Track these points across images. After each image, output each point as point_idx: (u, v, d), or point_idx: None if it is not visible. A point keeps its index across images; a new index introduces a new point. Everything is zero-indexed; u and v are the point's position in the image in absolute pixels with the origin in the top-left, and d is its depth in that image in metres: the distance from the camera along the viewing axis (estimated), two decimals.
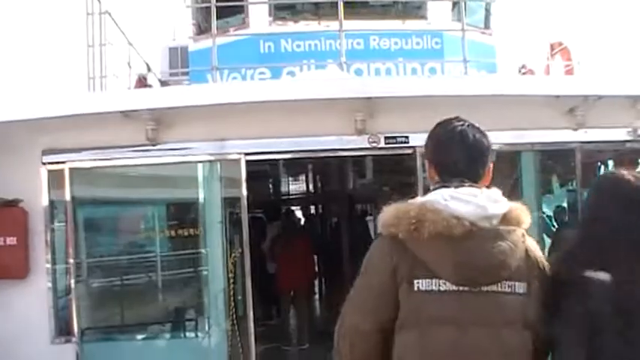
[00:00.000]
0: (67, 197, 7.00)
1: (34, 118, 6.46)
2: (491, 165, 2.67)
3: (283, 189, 16.41)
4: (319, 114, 6.85)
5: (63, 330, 7.06)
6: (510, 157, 7.64)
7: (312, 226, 14.52)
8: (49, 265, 7.03)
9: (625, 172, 2.64)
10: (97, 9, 7.98)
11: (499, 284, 2.41)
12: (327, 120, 6.93)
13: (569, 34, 9.80)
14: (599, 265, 2.44)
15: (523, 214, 2.54)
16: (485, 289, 2.40)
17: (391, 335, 2.45)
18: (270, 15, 9.56)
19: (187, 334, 7.52)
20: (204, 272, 7.30)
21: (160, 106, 6.60)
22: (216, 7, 8.17)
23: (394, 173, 9.75)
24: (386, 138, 7.00)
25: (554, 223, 9.39)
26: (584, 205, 2.94)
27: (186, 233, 7.40)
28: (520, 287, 2.44)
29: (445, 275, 2.39)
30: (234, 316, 7.06)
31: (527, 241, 2.52)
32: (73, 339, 6.97)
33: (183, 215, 7.79)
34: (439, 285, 2.39)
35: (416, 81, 7.67)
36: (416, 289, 2.41)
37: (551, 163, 7.96)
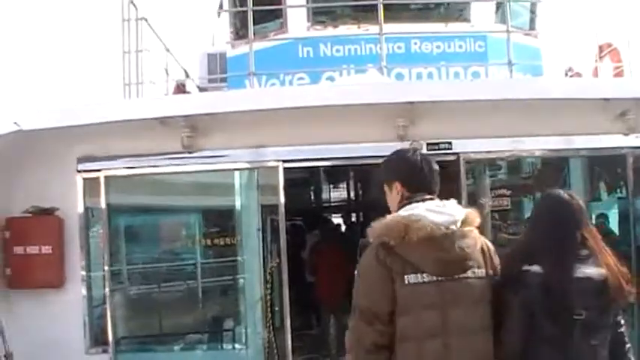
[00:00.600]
0: (103, 205, 6.92)
1: (69, 125, 6.40)
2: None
3: (324, 196, 16.20)
4: (359, 120, 6.66)
5: (98, 340, 6.98)
6: (557, 164, 7.34)
7: (352, 234, 14.27)
8: (84, 274, 6.94)
9: (561, 192, 3.44)
10: (134, 15, 7.90)
11: (467, 272, 3.16)
12: (367, 126, 6.74)
13: (619, 34, 9.36)
14: (533, 262, 3.21)
15: (475, 216, 3.30)
16: (457, 276, 3.14)
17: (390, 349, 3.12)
18: (308, 20, 9.38)
19: (224, 344, 7.36)
20: (242, 281, 7.15)
21: (196, 112, 6.47)
22: (254, 12, 8.03)
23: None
24: (428, 144, 6.75)
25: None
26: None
27: (223, 242, 7.22)
28: (481, 272, 3.20)
29: (427, 270, 3.10)
30: (272, 326, 6.87)
31: (481, 237, 3.31)
32: (108, 349, 6.85)
33: (220, 223, 7.63)
34: (423, 278, 3.10)
35: (459, 85, 7.41)
36: (407, 282, 3.09)
37: (600, 169, 7.60)
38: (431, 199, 3.27)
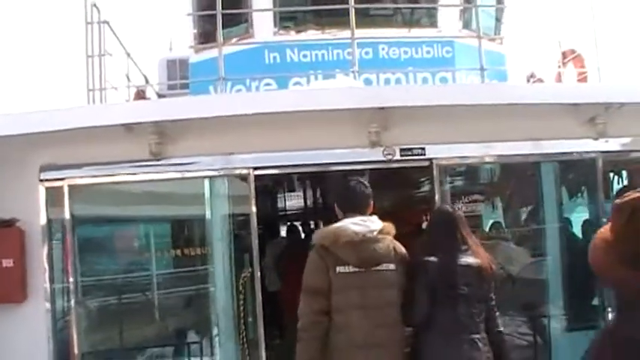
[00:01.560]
0: (67, 215, 6.63)
1: (31, 132, 6.13)
2: (371, 202, 5.03)
3: (280, 204, 16.00)
4: (332, 126, 6.55)
5: (62, 356, 6.66)
6: (529, 168, 7.34)
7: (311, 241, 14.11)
8: (48, 287, 6.64)
9: (447, 206, 5.47)
10: (96, 18, 7.65)
11: (380, 266, 4.75)
12: (340, 132, 6.63)
13: (583, 41, 9.45)
14: (431, 254, 4.83)
15: (390, 227, 4.93)
16: (373, 268, 4.72)
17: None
18: (275, 25, 9.24)
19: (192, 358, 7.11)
20: (211, 295, 6.92)
21: (164, 118, 6.26)
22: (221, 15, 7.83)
23: (400, 187, 9.46)
24: (402, 150, 6.69)
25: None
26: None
27: (192, 252, 7.02)
28: (391, 266, 4.77)
29: (352, 263, 4.68)
30: (245, 339, 6.68)
31: (395, 243, 4.90)
32: None
33: (189, 233, 7.44)
34: (349, 269, 4.69)
35: (432, 89, 7.37)
36: (337, 272, 4.68)
37: (571, 173, 7.61)
38: (360, 214, 4.90)
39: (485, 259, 4.86)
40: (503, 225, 8.27)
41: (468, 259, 4.80)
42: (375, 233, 4.79)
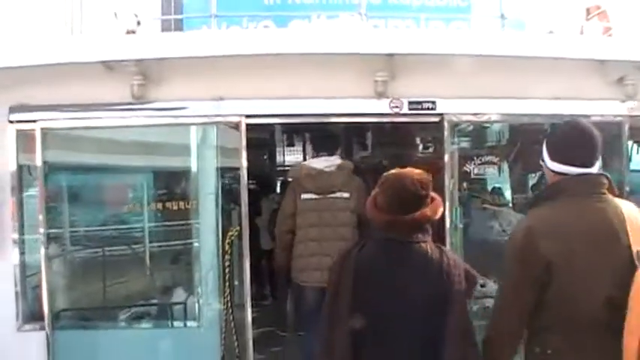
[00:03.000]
0: (39, 161, 6.02)
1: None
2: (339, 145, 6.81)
3: (278, 158, 15.26)
4: (335, 72, 5.91)
5: (34, 315, 6.14)
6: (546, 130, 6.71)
7: None
8: (17, 239, 6.09)
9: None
10: None
11: (335, 193, 6.05)
12: (343, 79, 5.98)
13: None
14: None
15: (349, 165, 6.31)
16: (329, 195, 6.03)
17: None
18: None
19: (175, 320, 6.60)
20: (195, 253, 6.37)
21: (149, 56, 5.63)
22: None
23: (405, 144, 8.89)
24: (410, 103, 6.05)
25: None
26: None
27: (174, 207, 6.43)
28: (345, 194, 6.04)
29: (312, 191, 6.05)
30: (230, 302, 6.13)
31: (353, 177, 6.19)
32: (44, 325, 6.04)
33: (173, 185, 6.86)
34: (311, 195, 6.06)
35: (447, 36, 6.61)
36: (302, 198, 6.07)
37: None
38: (326, 155, 6.28)
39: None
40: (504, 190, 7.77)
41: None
42: (332, 168, 6.11)
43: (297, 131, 11.87)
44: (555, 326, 3.04)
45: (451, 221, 6.18)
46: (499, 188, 7.83)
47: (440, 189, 5.74)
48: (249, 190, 6.10)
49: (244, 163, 6.01)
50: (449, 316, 3.20)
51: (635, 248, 2.95)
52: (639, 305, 2.81)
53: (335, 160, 6.19)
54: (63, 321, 6.27)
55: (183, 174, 6.60)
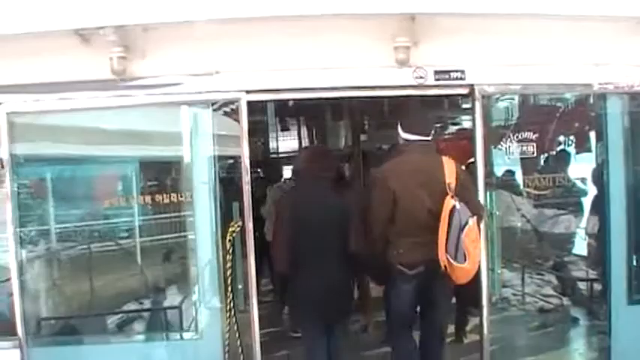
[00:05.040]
0: (5, 151, 5.23)
1: None
2: None
3: (271, 145, 14.20)
4: (349, 38, 5.16)
5: (8, 328, 5.35)
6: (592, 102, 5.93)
7: None
8: None
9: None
10: None
11: None
12: (359, 47, 5.22)
13: None
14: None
15: None
16: None
17: None
18: None
19: (171, 332, 5.81)
20: (192, 254, 5.54)
21: (131, 22, 4.79)
22: None
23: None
24: (436, 72, 5.28)
25: None
26: None
27: (165, 200, 5.57)
28: None
29: None
30: (233, 311, 5.30)
31: None
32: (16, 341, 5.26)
33: (162, 177, 6.09)
34: None
35: None
36: None
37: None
38: None
39: None
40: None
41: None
42: None
43: (293, 114, 11.07)
44: (402, 233, 4.70)
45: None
46: (511, 172, 6.99)
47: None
48: (253, 179, 5.28)
49: (246, 148, 5.20)
50: (349, 224, 4.88)
51: (448, 181, 4.62)
52: (446, 213, 4.49)
53: None
54: (43, 332, 5.61)
55: (172, 162, 5.78)
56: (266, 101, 5.68)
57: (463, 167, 7.18)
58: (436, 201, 4.56)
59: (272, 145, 13.34)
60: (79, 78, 5.14)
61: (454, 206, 4.49)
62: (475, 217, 4.56)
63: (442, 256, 4.49)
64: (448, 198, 4.54)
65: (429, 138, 4.87)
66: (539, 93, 5.99)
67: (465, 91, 5.40)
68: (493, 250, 5.67)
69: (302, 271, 4.84)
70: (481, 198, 5.35)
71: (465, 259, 4.46)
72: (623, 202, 5.66)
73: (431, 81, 5.26)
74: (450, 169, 4.69)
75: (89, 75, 5.13)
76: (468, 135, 6.14)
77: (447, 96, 5.75)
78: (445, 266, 4.52)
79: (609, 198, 5.69)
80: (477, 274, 4.89)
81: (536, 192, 6.38)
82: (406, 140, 4.84)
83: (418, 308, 4.95)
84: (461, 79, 5.31)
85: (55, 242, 6.07)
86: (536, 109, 6.41)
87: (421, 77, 5.23)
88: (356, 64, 5.19)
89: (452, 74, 5.29)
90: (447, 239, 4.46)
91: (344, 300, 5.08)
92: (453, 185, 4.60)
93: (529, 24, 5.23)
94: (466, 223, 4.46)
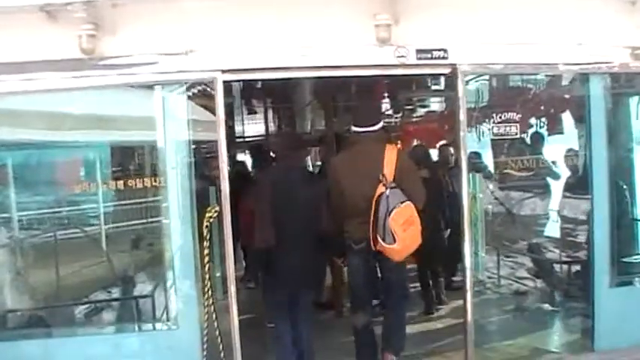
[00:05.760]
0: None
1: None
2: None
3: (237, 129, 13.75)
4: (329, 16, 5.00)
5: None
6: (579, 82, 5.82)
7: None
8: None
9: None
10: None
11: None
12: (338, 25, 5.05)
13: None
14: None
15: None
16: None
17: None
18: None
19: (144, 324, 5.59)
20: (167, 243, 5.28)
21: None
22: None
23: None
24: (418, 51, 5.12)
25: None
26: None
27: (138, 185, 5.32)
28: None
29: None
30: (212, 299, 5.10)
31: None
32: None
33: (134, 161, 5.84)
34: None
35: None
36: None
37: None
38: None
39: None
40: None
41: None
42: None
43: (260, 97, 10.81)
44: (350, 215, 5.13)
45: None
46: (477, 154, 6.88)
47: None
48: (238, 163, 5.10)
49: (222, 130, 4.98)
50: (322, 205, 5.20)
51: (384, 171, 4.95)
52: (374, 199, 4.86)
53: None
54: (9, 325, 5.44)
55: (145, 146, 5.55)
56: (243, 81, 5.42)
57: (433, 150, 7.20)
58: (374, 188, 4.94)
59: (238, 128, 13.05)
60: (45, 57, 4.89)
61: (382, 193, 4.88)
62: (408, 203, 4.91)
63: (373, 237, 4.94)
64: (380, 186, 4.91)
65: (376, 128, 5.21)
66: (522, 73, 5.88)
67: (447, 70, 5.27)
68: (477, 234, 5.57)
69: (279, 248, 5.04)
70: (464, 180, 5.27)
71: (395, 241, 4.83)
72: (606, 184, 5.59)
73: (413, 60, 5.12)
74: (389, 158, 5.05)
75: (56, 54, 4.88)
76: (438, 118, 6.04)
77: (429, 75, 5.49)
78: (377, 245, 4.95)
79: (592, 181, 5.61)
80: (460, 257, 5.37)
81: (510, 173, 6.35)
82: (355, 132, 5.23)
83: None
84: (443, 57, 5.17)
85: (18, 230, 5.83)
86: (507, 90, 6.33)
87: (403, 56, 5.08)
88: (336, 42, 5.02)
89: (434, 53, 5.15)
90: (375, 223, 4.88)
91: (314, 272, 5.49)
92: (388, 174, 4.97)
93: (513, 2, 5.15)
94: (394, 208, 4.84)
